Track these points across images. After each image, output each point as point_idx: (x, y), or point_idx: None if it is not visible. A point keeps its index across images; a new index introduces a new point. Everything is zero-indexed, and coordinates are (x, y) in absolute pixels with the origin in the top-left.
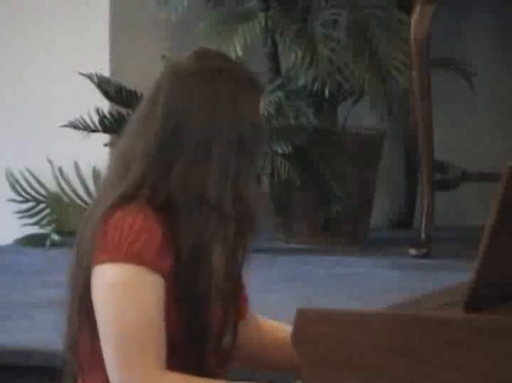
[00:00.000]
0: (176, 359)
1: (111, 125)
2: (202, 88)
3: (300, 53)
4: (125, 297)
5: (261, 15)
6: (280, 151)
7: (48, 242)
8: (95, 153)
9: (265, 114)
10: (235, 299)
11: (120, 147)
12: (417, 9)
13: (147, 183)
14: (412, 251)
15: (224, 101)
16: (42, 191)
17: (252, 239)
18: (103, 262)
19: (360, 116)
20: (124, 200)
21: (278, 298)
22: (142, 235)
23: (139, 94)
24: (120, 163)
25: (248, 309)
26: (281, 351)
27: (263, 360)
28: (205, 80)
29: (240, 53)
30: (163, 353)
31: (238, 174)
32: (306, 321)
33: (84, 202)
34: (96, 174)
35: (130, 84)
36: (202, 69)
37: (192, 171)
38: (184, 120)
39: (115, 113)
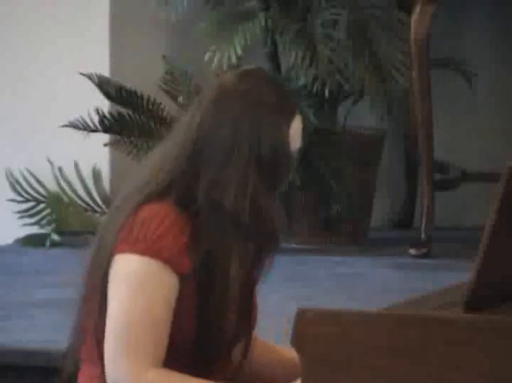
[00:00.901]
0: (185, 363)
1: (111, 125)
2: (233, 107)
3: (300, 53)
4: (137, 291)
5: (261, 15)
6: None
7: (48, 242)
8: (95, 153)
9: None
10: (248, 312)
11: (155, 153)
12: (417, 9)
13: (173, 191)
14: (412, 251)
15: (247, 121)
16: (42, 191)
17: (271, 258)
18: (124, 251)
19: (360, 116)
20: (151, 201)
21: (278, 298)
22: (167, 235)
23: (139, 94)
24: (151, 168)
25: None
26: (290, 371)
27: (271, 379)
28: (238, 99)
29: (240, 53)
30: (158, 352)
31: (256, 192)
32: (306, 321)
33: (85, 202)
34: (96, 174)
35: (130, 84)
36: (238, 89)
37: (215, 182)
38: (212, 134)
39: (115, 113)
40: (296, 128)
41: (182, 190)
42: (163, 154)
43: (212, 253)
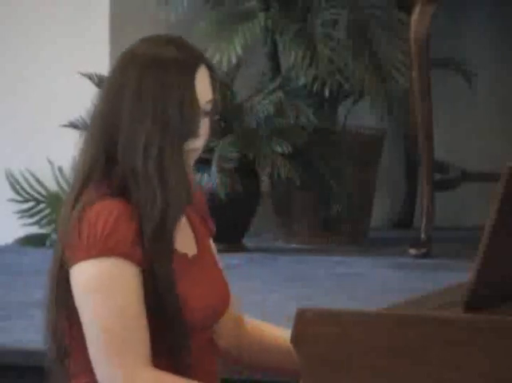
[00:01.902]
0: (158, 347)
1: None
2: (136, 71)
3: (300, 53)
4: (105, 294)
5: (261, 15)
6: (280, 151)
7: (48, 242)
8: None
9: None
10: (172, 285)
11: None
12: (417, 9)
13: (98, 170)
14: (412, 251)
15: (148, 82)
16: (42, 191)
17: (178, 211)
18: (79, 260)
19: (360, 116)
20: (90, 196)
21: (278, 298)
22: (116, 230)
23: None
24: (81, 149)
25: (241, 311)
26: (284, 354)
27: (266, 364)
28: (140, 63)
29: (240, 53)
30: (146, 347)
31: (162, 149)
32: (306, 321)
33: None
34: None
35: None
36: (137, 52)
37: (127, 150)
38: (118, 102)
39: None
40: (201, 78)
41: (107, 172)
42: (83, 144)
43: (148, 222)
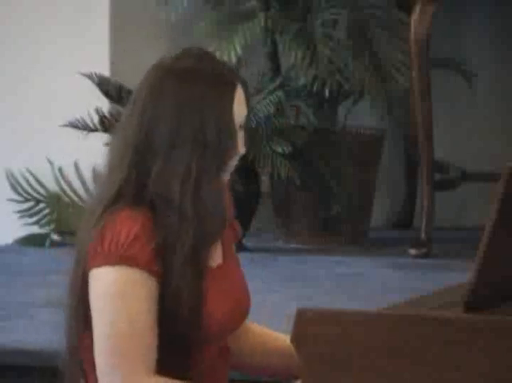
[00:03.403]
0: (170, 358)
1: (111, 125)
2: (172, 89)
3: (300, 53)
4: (118, 302)
5: (261, 15)
6: (280, 151)
7: (48, 242)
8: (95, 153)
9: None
10: (199, 307)
11: (107, 154)
12: (417, 9)
13: (128, 190)
14: (412, 251)
15: (187, 102)
16: (42, 191)
17: (212, 240)
18: (99, 265)
19: (360, 116)
20: (115, 207)
21: (278, 298)
22: (138, 241)
23: None
24: (107, 167)
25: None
26: (285, 359)
27: (267, 368)
28: (176, 79)
29: (240, 53)
30: (151, 356)
31: (200, 178)
32: (306, 321)
33: (85, 202)
34: (96, 174)
35: (130, 84)
36: (175, 69)
37: (161, 175)
38: (154, 124)
39: (115, 113)
40: (239, 97)
41: (137, 192)
42: (111, 155)
43: (165, 248)
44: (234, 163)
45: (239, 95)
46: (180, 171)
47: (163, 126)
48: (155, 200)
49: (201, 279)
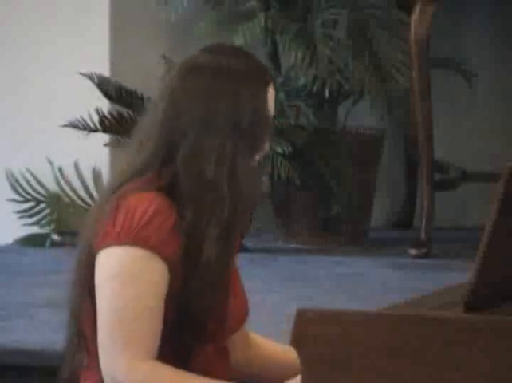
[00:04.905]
0: (168, 345)
1: (111, 125)
2: (205, 78)
3: (300, 53)
4: (126, 283)
5: (261, 15)
6: (280, 151)
7: (48, 242)
8: (95, 153)
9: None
10: (226, 284)
11: (134, 136)
12: (417, 9)
13: (153, 167)
14: (412, 251)
15: (224, 89)
16: (42, 191)
17: (247, 224)
18: (109, 245)
19: (360, 116)
20: (133, 186)
21: (278, 298)
22: (152, 223)
23: (139, 94)
24: (133, 150)
25: (247, 320)
26: (286, 371)
27: (267, 378)
28: (210, 71)
29: None
30: (152, 341)
31: (235, 158)
32: (306, 321)
33: (85, 202)
34: (96, 174)
35: (130, 84)
36: (208, 62)
37: (193, 155)
38: (187, 107)
39: (115, 113)
40: (271, 94)
41: (161, 170)
42: (139, 140)
43: (192, 227)
44: (266, 147)
45: (272, 91)
46: (215, 148)
47: (198, 110)
48: (179, 177)
49: (232, 256)
